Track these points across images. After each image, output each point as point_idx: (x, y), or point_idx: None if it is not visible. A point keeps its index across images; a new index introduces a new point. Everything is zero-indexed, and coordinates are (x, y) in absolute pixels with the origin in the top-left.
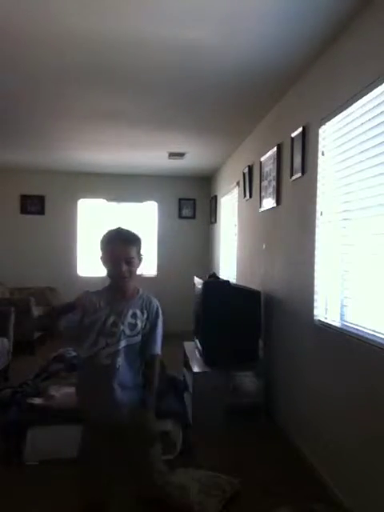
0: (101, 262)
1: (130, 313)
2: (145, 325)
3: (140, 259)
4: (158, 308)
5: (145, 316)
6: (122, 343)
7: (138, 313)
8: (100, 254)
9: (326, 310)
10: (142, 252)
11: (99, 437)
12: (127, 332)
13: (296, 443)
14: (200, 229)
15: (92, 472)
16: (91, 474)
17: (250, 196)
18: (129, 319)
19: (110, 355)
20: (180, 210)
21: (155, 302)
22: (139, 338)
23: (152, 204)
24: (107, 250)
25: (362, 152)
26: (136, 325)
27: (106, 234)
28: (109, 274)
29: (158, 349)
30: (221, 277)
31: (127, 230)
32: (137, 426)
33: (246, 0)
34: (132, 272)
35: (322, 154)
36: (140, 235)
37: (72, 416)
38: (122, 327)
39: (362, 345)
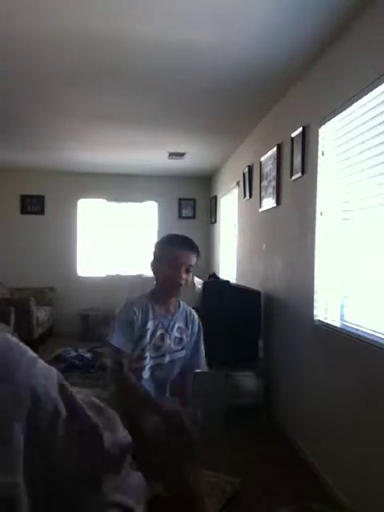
0: (153, 265)
1: (176, 326)
2: (190, 339)
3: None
4: (200, 321)
5: (189, 330)
6: (167, 358)
7: (183, 326)
8: (157, 256)
9: (326, 309)
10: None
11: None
12: (173, 347)
13: (296, 443)
14: (200, 229)
15: None
16: None
17: (250, 196)
18: (175, 333)
19: (153, 370)
20: (180, 209)
21: (197, 315)
22: (184, 352)
23: (152, 204)
24: (171, 254)
25: (362, 152)
26: (182, 339)
27: (172, 237)
28: (162, 280)
29: (203, 365)
30: (221, 277)
31: (191, 239)
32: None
33: (246, 0)
34: (188, 281)
35: (322, 154)
36: None
37: None
38: (168, 342)
39: (361, 345)
